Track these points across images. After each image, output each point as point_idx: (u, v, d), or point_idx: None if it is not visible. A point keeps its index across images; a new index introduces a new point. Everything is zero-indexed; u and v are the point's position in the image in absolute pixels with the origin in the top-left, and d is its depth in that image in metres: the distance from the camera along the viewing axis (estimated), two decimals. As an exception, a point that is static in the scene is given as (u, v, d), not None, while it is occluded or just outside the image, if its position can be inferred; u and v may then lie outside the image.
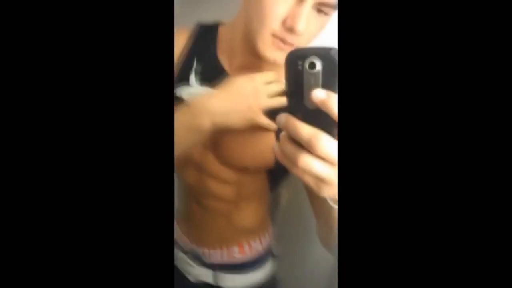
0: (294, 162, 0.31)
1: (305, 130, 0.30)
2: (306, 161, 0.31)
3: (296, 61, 0.30)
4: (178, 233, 0.79)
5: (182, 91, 0.59)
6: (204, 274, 0.75)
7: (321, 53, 0.30)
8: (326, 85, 0.30)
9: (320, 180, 0.31)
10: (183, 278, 0.78)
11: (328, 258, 0.95)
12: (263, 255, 0.75)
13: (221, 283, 0.73)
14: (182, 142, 0.52)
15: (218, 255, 0.73)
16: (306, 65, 0.30)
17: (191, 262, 0.75)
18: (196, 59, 0.60)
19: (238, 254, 0.73)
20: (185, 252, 0.77)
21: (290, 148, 0.32)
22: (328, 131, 0.31)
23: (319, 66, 0.30)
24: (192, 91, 0.59)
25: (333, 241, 0.53)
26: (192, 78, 0.60)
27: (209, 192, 0.67)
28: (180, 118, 0.50)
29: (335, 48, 0.30)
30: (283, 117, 0.32)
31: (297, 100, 0.31)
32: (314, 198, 0.63)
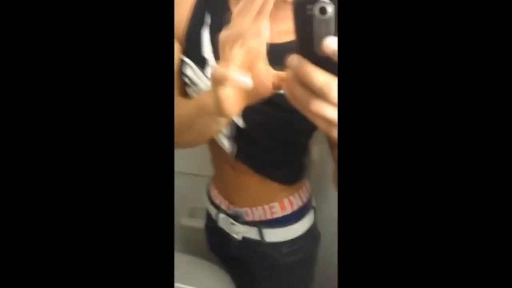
0: (306, 106, 0.31)
1: (318, 77, 0.29)
2: (318, 106, 0.30)
3: (305, 5, 0.28)
4: (218, 197, 0.82)
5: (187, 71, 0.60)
6: (249, 231, 0.79)
7: None
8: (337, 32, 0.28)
9: (331, 123, 0.31)
10: (228, 238, 0.82)
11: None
12: (303, 208, 0.78)
13: (266, 238, 0.77)
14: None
15: (260, 213, 0.76)
16: (317, 10, 0.28)
17: (234, 222, 0.79)
18: (207, 12, 0.60)
19: (279, 210, 0.76)
20: (228, 214, 0.81)
21: (301, 91, 0.31)
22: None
23: (331, 11, 0.27)
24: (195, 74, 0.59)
25: None
26: (206, 32, 0.60)
27: None
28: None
29: None
30: (295, 59, 0.30)
31: (307, 47, 0.29)
32: (332, 143, 0.65)
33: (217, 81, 0.36)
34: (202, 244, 0.94)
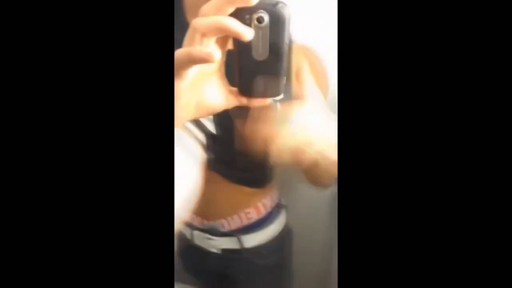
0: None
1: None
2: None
3: (244, 15, 0.31)
4: (189, 215, 0.81)
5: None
6: (227, 242, 0.79)
7: (268, 7, 0.31)
8: (273, 38, 0.32)
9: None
10: (206, 254, 0.81)
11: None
12: (276, 208, 0.81)
13: (246, 244, 0.78)
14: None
15: (236, 221, 0.77)
16: (255, 20, 0.31)
17: (210, 236, 0.79)
18: None
19: (255, 214, 0.77)
20: (202, 230, 0.80)
21: None
22: (277, 82, 0.34)
23: (267, 20, 0.31)
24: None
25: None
26: None
27: None
28: None
29: (282, 2, 0.31)
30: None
31: (245, 54, 0.32)
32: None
33: (180, 65, 0.31)
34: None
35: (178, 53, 0.31)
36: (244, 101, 0.37)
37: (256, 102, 0.37)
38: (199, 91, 0.35)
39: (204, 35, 0.30)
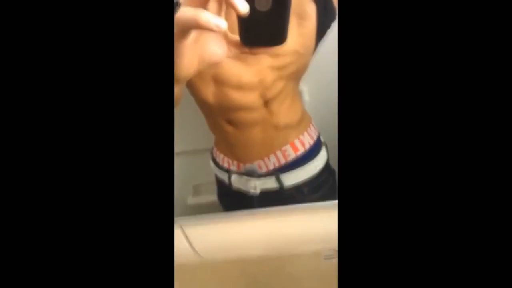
0: None
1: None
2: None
3: None
4: (225, 160, 0.80)
5: None
6: (266, 182, 0.77)
7: None
8: None
9: None
10: (246, 197, 0.81)
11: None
12: (314, 146, 0.77)
13: (286, 183, 0.76)
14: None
15: (273, 161, 0.75)
16: None
17: (249, 178, 0.78)
18: None
19: (292, 152, 0.75)
20: (240, 173, 0.79)
21: None
22: (279, 31, 0.34)
23: None
24: None
25: None
26: None
27: (234, 105, 0.66)
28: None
29: None
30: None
31: (248, 2, 0.31)
32: None
33: (184, 26, 0.31)
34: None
35: (184, 15, 0.30)
36: (245, 50, 0.36)
37: (259, 51, 0.36)
38: (201, 44, 0.34)
39: None
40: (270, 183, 0.77)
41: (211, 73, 0.63)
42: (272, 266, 0.56)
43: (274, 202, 0.80)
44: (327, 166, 0.80)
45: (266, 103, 0.67)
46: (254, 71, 0.62)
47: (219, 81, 0.64)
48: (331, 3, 0.59)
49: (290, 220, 0.56)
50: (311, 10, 0.58)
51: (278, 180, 0.76)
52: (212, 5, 0.32)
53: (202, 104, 0.71)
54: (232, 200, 0.85)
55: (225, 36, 0.36)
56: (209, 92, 0.66)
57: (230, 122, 0.71)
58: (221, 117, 0.71)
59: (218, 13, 0.32)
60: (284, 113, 0.71)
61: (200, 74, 0.62)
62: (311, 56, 0.66)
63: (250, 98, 0.65)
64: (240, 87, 0.64)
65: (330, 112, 0.72)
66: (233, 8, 0.30)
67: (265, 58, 0.60)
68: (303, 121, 0.76)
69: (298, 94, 0.74)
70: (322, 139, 0.81)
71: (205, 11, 0.30)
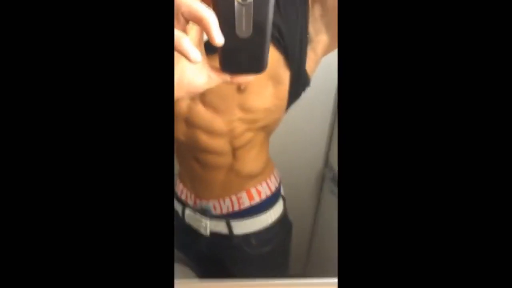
0: None
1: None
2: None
3: None
4: (184, 191, 0.79)
5: None
6: (217, 225, 0.76)
7: None
8: (257, 16, 0.31)
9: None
10: (196, 235, 0.79)
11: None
12: (271, 197, 0.76)
13: (235, 231, 0.75)
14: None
15: (228, 205, 0.74)
16: None
17: (201, 217, 0.76)
18: None
19: (247, 200, 0.73)
20: (194, 209, 0.77)
21: None
22: (260, 59, 0.33)
23: None
24: None
25: None
26: None
27: (202, 147, 0.66)
28: None
29: None
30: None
31: (229, 30, 0.32)
32: None
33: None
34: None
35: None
36: (227, 78, 0.36)
37: (240, 79, 0.36)
38: (178, 70, 0.34)
39: (183, 14, 0.30)
40: (220, 227, 0.76)
41: (184, 114, 0.63)
42: None
43: (223, 248, 0.78)
44: (281, 220, 0.78)
45: (234, 150, 0.67)
46: (225, 121, 0.62)
47: (190, 123, 0.64)
48: (304, 70, 0.59)
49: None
50: (285, 75, 0.58)
51: (228, 226, 0.74)
52: (192, 32, 0.32)
53: (176, 139, 0.71)
54: (183, 234, 0.83)
55: (204, 63, 0.35)
56: (179, 130, 0.66)
57: (197, 160, 0.71)
58: (189, 153, 0.71)
59: (199, 40, 0.33)
60: (249, 161, 0.71)
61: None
62: (283, 114, 0.66)
63: (219, 143, 0.66)
64: (210, 132, 0.64)
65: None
66: (209, 36, 0.30)
67: (236, 111, 0.61)
68: (265, 171, 0.75)
69: (266, 144, 0.74)
70: (282, 191, 0.80)
71: (186, 37, 0.30)
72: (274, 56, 0.56)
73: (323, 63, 0.64)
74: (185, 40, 0.30)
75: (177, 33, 0.30)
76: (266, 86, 0.59)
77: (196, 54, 0.30)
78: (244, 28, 0.32)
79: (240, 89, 0.58)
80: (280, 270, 0.84)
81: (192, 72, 0.35)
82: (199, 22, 0.30)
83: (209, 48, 0.34)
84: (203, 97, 0.61)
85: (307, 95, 0.66)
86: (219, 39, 0.30)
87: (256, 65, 0.35)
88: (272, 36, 0.54)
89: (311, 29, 0.57)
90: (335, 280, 0.49)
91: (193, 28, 0.33)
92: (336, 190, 1.08)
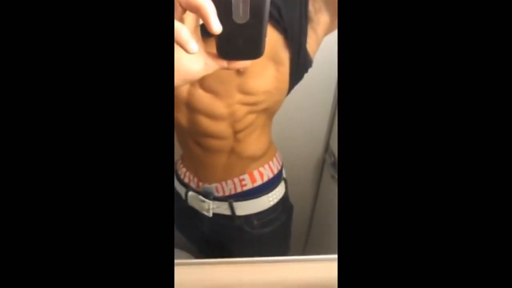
0: None
1: None
2: None
3: None
4: (187, 175, 0.80)
5: None
6: (220, 207, 0.77)
7: None
8: (254, 1, 0.31)
9: None
10: (198, 217, 0.80)
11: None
12: (273, 179, 0.77)
13: (237, 212, 0.76)
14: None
15: (230, 187, 0.75)
16: None
17: (204, 199, 0.78)
18: None
19: (250, 182, 0.74)
20: (197, 192, 0.78)
21: None
22: (257, 44, 0.34)
23: None
24: None
25: None
26: None
27: (204, 131, 0.66)
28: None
29: None
30: None
31: (225, 16, 0.32)
32: None
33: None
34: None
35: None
36: (224, 64, 0.36)
37: (236, 65, 0.36)
38: (177, 58, 0.34)
39: (181, 4, 0.30)
40: (223, 209, 0.77)
41: (184, 99, 0.63)
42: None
43: (225, 229, 0.80)
44: (282, 202, 0.79)
45: (235, 133, 0.68)
46: (225, 104, 0.62)
47: (191, 108, 0.64)
48: (305, 50, 0.59)
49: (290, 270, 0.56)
50: (285, 56, 0.58)
51: (231, 207, 0.76)
52: (188, 19, 0.32)
53: (177, 123, 0.71)
54: (185, 216, 0.84)
55: (201, 49, 0.35)
56: (181, 115, 0.66)
57: (199, 144, 0.71)
58: (191, 138, 0.71)
59: (195, 27, 0.33)
60: (251, 144, 0.71)
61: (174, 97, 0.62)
62: (285, 96, 0.67)
63: (221, 127, 0.66)
64: (211, 116, 0.64)
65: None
66: (207, 24, 0.30)
67: (236, 94, 0.61)
68: (268, 153, 0.76)
69: (268, 126, 0.74)
70: (284, 174, 0.81)
71: (185, 28, 0.30)
72: (273, 37, 0.56)
73: (324, 47, 0.64)
74: (184, 31, 0.30)
75: (176, 23, 0.30)
76: (266, 68, 0.59)
77: (194, 45, 0.30)
78: (241, 14, 0.32)
79: (239, 72, 0.58)
80: (280, 252, 0.86)
81: (189, 60, 0.35)
82: (197, 11, 0.30)
83: (205, 31, 0.34)
84: (202, 81, 0.60)
85: (309, 80, 0.67)
86: (217, 28, 0.30)
87: (254, 50, 0.35)
88: (272, 16, 0.54)
89: (311, 7, 0.57)
90: (335, 256, 0.51)
91: (189, 15, 0.33)
92: (336, 174, 1.10)
